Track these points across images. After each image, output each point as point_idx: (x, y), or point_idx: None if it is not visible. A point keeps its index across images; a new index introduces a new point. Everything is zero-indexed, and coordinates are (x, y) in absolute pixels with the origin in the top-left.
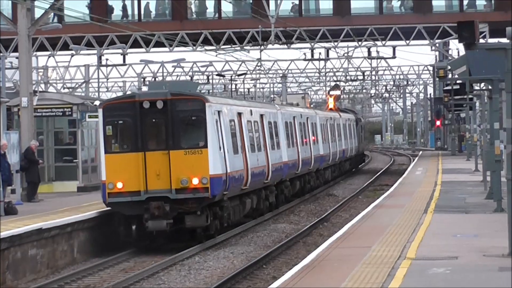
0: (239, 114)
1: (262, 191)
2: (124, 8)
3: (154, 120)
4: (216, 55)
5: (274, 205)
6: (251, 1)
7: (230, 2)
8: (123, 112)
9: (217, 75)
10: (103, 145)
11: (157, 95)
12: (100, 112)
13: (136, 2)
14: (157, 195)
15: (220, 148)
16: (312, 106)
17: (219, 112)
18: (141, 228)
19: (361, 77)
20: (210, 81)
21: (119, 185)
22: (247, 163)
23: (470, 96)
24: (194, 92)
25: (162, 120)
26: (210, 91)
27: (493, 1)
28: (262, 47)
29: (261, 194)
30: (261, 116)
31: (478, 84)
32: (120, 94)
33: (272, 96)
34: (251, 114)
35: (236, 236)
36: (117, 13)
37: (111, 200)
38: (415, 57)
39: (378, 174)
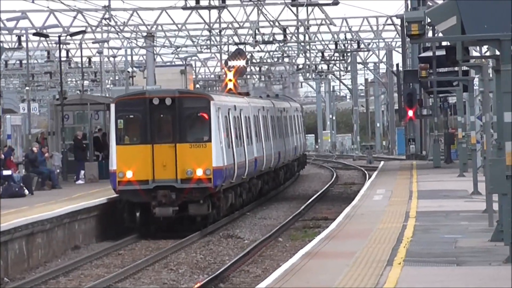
0: (232, 108)
1: (238, 187)
2: None
3: (162, 116)
4: (32, 1)
5: (244, 203)
6: None
7: None
8: (134, 107)
9: (34, 34)
10: (114, 137)
11: (166, 92)
12: (112, 107)
13: None
14: (163, 184)
15: (221, 142)
16: (199, 86)
17: (219, 108)
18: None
19: (280, 38)
20: (24, 44)
21: (129, 174)
22: (234, 157)
23: (464, 69)
24: (200, 91)
25: (170, 115)
26: (23, 61)
27: None
28: None
29: (237, 190)
30: (239, 110)
31: (477, 48)
32: None
33: (129, 70)
34: (235, 109)
35: None
36: None
37: (120, 188)
38: (372, 3)
39: (310, 200)
